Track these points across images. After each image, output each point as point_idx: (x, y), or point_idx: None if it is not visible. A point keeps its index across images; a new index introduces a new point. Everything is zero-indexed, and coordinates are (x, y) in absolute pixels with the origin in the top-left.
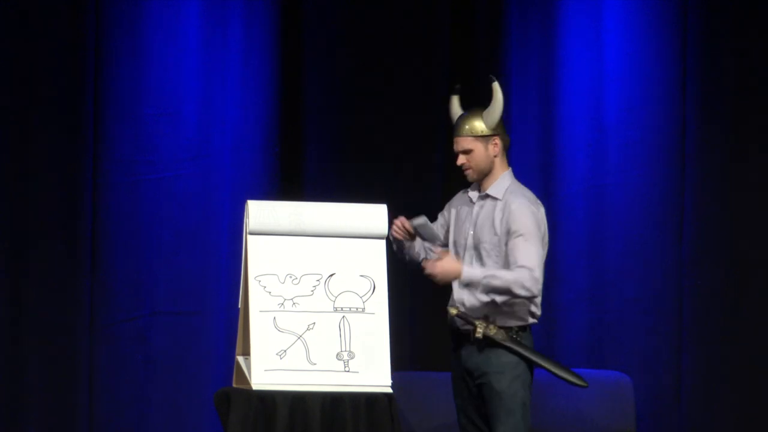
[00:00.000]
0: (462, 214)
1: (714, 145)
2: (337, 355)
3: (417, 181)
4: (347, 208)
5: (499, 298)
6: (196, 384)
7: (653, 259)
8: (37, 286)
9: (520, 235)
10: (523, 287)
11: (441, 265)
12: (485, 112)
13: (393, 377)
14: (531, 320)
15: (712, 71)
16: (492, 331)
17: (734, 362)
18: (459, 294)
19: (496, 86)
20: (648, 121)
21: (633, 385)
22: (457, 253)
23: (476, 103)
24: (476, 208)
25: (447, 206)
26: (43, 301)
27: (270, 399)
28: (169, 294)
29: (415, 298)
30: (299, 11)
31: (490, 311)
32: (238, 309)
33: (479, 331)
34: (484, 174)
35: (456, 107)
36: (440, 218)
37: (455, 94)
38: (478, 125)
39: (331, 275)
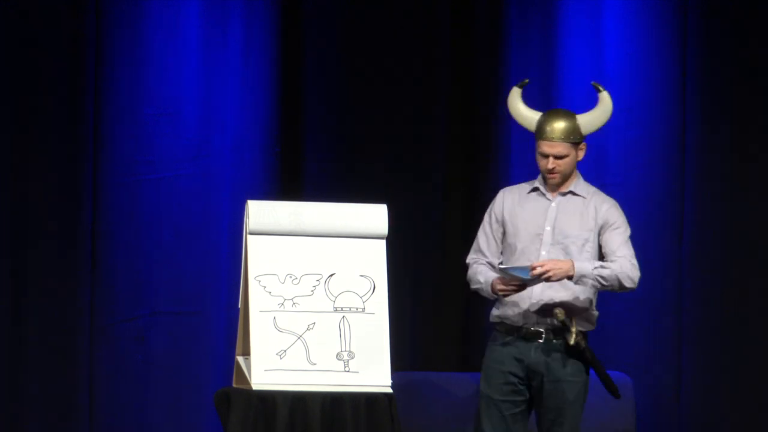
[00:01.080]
0: (528, 209)
1: (714, 145)
2: (337, 355)
3: (417, 181)
4: (347, 208)
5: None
6: (196, 384)
7: (653, 259)
8: (37, 286)
9: (618, 227)
10: (629, 278)
11: (554, 262)
12: (583, 118)
13: (393, 377)
14: (594, 325)
15: (712, 71)
16: (579, 337)
17: (734, 362)
18: (542, 295)
19: (606, 96)
20: (648, 120)
21: (633, 385)
22: (515, 248)
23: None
24: (554, 204)
25: (494, 207)
26: (43, 301)
27: (270, 399)
28: (169, 294)
29: (415, 298)
30: (299, 11)
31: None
32: (238, 309)
33: (574, 339)
34: (566, 178)
35: (519, 102)
36: (491, 224)
37: (520, 87)
38: (576, 132)
39: (331, 275)
